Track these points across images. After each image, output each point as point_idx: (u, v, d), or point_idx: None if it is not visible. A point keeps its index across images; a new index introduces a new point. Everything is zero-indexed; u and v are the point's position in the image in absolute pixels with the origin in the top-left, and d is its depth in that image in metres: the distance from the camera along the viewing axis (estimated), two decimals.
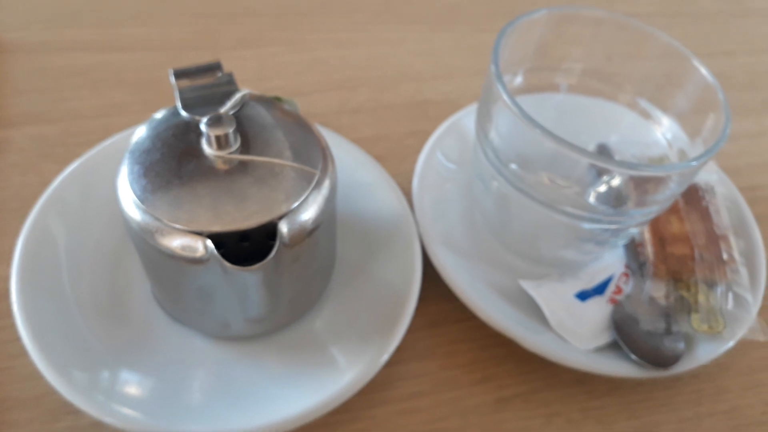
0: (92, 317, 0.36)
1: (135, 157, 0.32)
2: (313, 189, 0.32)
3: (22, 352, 0.34)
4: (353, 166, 0.43)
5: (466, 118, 0.47)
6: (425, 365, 0.39)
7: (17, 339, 0.34)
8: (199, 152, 0.32)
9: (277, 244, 0.30)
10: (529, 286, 0.40)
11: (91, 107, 0.50)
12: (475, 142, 0.39)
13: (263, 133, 0.33)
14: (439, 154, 0.45)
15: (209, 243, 0.29)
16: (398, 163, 0.48)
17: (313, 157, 0.33)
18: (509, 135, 0.37)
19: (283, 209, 0.31)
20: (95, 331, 0.36)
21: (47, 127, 0.48)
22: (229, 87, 0.35)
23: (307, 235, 0.32)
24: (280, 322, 0.37)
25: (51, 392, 0.34)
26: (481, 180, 0.41)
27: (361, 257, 0.40)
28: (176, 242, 0.30)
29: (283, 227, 0.31)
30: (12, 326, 0.36)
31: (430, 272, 0.39)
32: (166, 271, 0.32)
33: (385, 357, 0.35)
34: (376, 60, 0.57)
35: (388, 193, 0.42)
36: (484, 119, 0.38)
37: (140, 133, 0.33)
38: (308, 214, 0.32)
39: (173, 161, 0.32)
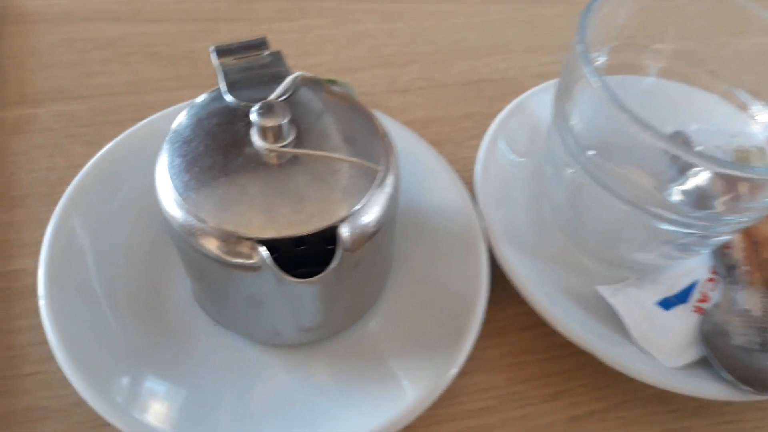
0: (127, 319, 0.33)
1: (175, 148, 0.28)
2: (377, 188, 0.28)
3: (51, 356, 0.31)
4: (408, 153, 0.39)
5: (532, 99, 0.42)
6: (491, 378, 0.35)
7: (46, 341, 0.31)
8: (247, 144, 0.28)
9: (339, 251, 0.26)
10: (606, 293, 0.36)
11: (122, 83, 0.46)
12: (551, 125, 0.35)
13: (319, 122, 0.30)
14: (503, 140, 0.41)
15: (264, 251, 0.26)
16: (454, 149, 0.44)
17: (374, 150, 0.29)
18: (591, 119, 0.33)
19: (344, 212, 0.27)
20: (130, 335, 0.33)
21: (75, 104, 0.44)
22: (277, 67, 0.31)
23: (368, 238, 0.28)
24: (334, 330, 0.33)
25: (82, 402, 0.31)
26: (553, 167, 0.36)
27: (420, 256, 0.36)
28: (225, 248, 0.26)
29: (345, 232, 0.27)
30: (40, 327, 0.33)
31: (494, 273, 0.35)
32: (211, 276, 0.29)
33: (453, 371, 0.31)
34: (426, 34, 0.52)
35: (447, 183, 0.38)
36: (563, 99, 0.33)
37: (180, 119, 0.30)
38: (371, 215, 0.28)
39: (219, 154, 0.28)
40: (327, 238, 0.27)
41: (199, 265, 0.28)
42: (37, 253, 0.36)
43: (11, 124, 0.42)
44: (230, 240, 0.26)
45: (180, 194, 0.27)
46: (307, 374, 0.33)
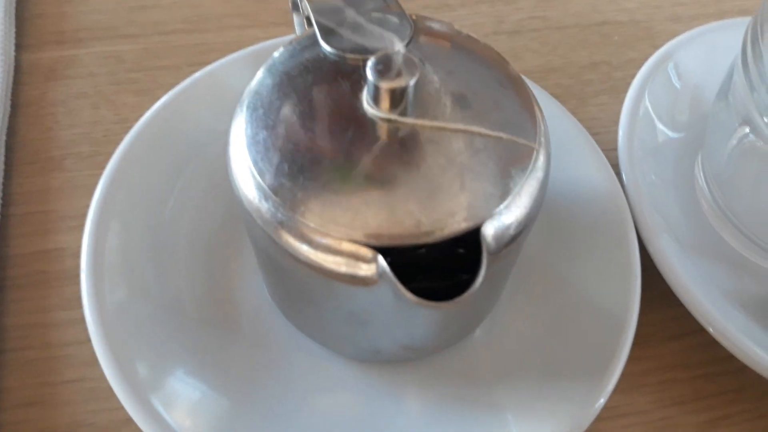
0: (188, 320, 0.27)
1: (257, 116, 0.21)
2: (530, 172, 0.21)
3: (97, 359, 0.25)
4: None
5: (682, 48, 0.34)
6: (633, 400, 0.28)
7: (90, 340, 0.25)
8: (357, 113, 0.21)
9: (484, 260, 0.19)
10: None
11: (176, 20, 0.38)
12: (734, 69, 0.28)
13: (448, 82, 0.22)
14: (648, 100, 0.33)
15: (382, 261, 0.19)
16: (577, 107, 0.36)
17: (521, 120, 0.22)
18: None
19: (492, 207, 0.20)
20: (191, 338, 0.27)
21: (122, 44, 0.37)
22: (379, 6, 0.24)
23: (515, 239, 0.21)
24: (443, 346, 0.26)
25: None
26: (726, 130, 0.29)
27: (548, 246, 0.29)
28: (329, 255, 0.19)
29: (489, 232, 0.20)
30: (84, 321, 0.28)
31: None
32: (301, 286, 0.22)
33: (600, 401, 0.25)
34: None
35: (584, 152, 0.30)
36: (759, 35, 0.26)
37: (260, 77, 0.23)
38: (521, 209, 0.21)
39: (318, 127, 0.21)
40: (455, 240, 0.20)
41: (288, 272, 0.22)
42: (79, 228, 0.30)
43: (47, 68, 0.36)
44: (338, 245, 0.19)
45: (267, 182, 0.20)
46: (406, 396, 0.26)
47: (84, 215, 0.28)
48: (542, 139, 0.22)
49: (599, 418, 0.28)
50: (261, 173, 0.20)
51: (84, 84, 0.35)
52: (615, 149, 0.32)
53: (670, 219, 0.30)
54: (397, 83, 0.20)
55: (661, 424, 0.28)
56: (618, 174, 0.30)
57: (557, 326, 0.27)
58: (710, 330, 0.27)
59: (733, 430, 0.28)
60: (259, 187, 0.20)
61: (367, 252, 0.19)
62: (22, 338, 0.28)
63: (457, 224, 0.19)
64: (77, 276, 0.29)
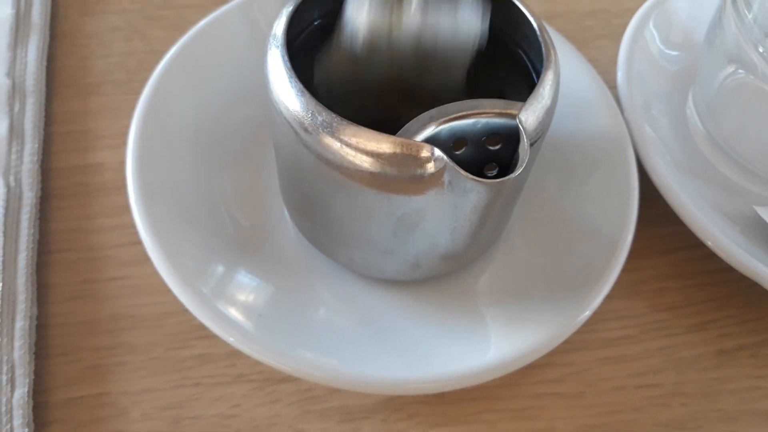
0: (227, 230, 0.29)
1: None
2: (550, 69, 0.23)
3: (138, 259, 0.28)
4: None
5: None
6: (630, 304, 0.31)
7: (135, 242, 0.28)
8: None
9: (524, 141, 0.22)
10: (766, 214, 0.31)
11: None
12: (721, 11, 0.31)
13: None
14: (643, 41, 0.35)
15: (439, 152, 0.21)
16: (578, 49, 0.38)
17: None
18: None
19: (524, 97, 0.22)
20: (233, 243, 0.29)
21: None
22: None
23: (545, 130, 0.23)
24: (470, 259, 0.28)
25: (175, 312, 0.29)
26: (714, 64, 0.32)
27: (554, 165, 0.32)
28: (387, 158, 0.21)
29: (527, 117, 0.22)
30: (123, 227, 0.30)
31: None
32: (353, 203, 0.24)
33: (597, 301, 0.27)
34: None
35: (590, 87, 0.33)
36: None
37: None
38: (547, 99, 0.23)
39: None
40: (487, 134, 0.23)
41: (323, 185, 0.23)
42: (116, 145, 0.33)
43: (81, 3, 0.38)
44: (396, 145, 0.21)
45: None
46: (421, 309, 0.29)
47: (121, 135, 0.30)
48: (549, 42, 0.24)
49: (600, 319, 0.30)
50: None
51: (116, 19, 0.37)
52: (613, 87, 0.34)
53: (666, 145, 0.33)
54: None
55: (655, 325, 0.31)
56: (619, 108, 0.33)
57: (559, 242, 0.30)
58: (709, 244, 0.29)
59: (720, 333, 0.31)
60: (293, 87, 0.22)
61: (421, 146, 0.21)
62: (65, 241, 0.30)
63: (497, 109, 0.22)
64: (117, 188, 0.31)
